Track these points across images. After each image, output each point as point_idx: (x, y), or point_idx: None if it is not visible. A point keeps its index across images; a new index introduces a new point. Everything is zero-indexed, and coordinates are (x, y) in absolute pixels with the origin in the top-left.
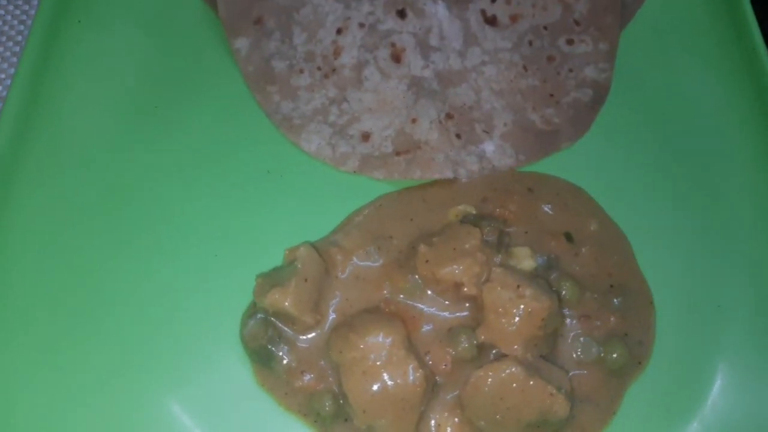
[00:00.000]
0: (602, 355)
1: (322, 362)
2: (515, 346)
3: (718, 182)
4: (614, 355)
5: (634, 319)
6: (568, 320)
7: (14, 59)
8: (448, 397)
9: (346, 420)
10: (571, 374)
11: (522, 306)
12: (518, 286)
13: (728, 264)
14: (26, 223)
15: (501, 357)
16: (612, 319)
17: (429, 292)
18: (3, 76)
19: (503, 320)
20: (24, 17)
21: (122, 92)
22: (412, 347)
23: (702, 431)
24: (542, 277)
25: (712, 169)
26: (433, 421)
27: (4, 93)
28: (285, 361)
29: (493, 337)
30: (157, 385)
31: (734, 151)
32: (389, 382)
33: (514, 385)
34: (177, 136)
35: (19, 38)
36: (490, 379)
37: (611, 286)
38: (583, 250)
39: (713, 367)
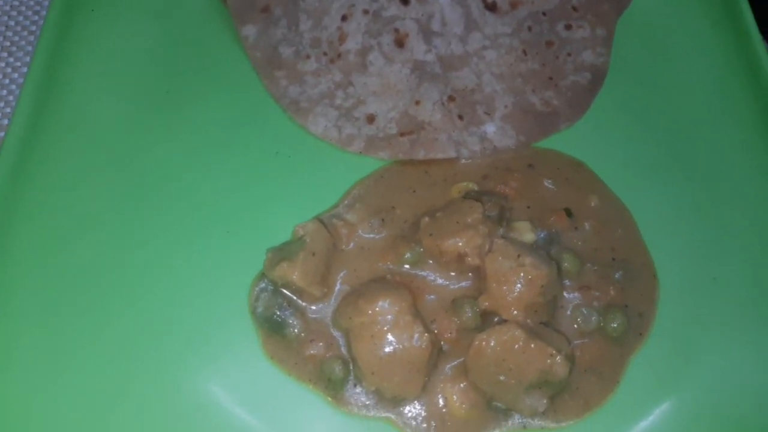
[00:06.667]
0: (602, 324)
1: (331, 331)
2: (516, 312)
3: (714, 158)
4: (614, 324)
5: (636, 292)
6: (568, 292)
7: (29, 48)
8: (454, 363)
9: (355, 385)
10: (573, 344)
11: (522, 274)
12: (518, 255)
13: (724, 237)
14: (42, 207)
15: (503, 322)
16: (611, 290)
17: (432, 263)
18: (19, 64)
19: (504, 288)
20: (38, 7)
21: (134, 78)
22: (418, 314)
23: (702, 401)
24: (543, 249)
25: (709, 145)
26: (439, 388)
27: (21, 80)
28: (295, 330)
29: (495, 304)
30: (172, 358)
31: (730, 129)
32: (396, 346)
33: (516, 346)
34: (188, 120)
35: (33, 28)
36: (492, 342)
37: (613, 259)
38: (586, 224)
39: (712, 339)
